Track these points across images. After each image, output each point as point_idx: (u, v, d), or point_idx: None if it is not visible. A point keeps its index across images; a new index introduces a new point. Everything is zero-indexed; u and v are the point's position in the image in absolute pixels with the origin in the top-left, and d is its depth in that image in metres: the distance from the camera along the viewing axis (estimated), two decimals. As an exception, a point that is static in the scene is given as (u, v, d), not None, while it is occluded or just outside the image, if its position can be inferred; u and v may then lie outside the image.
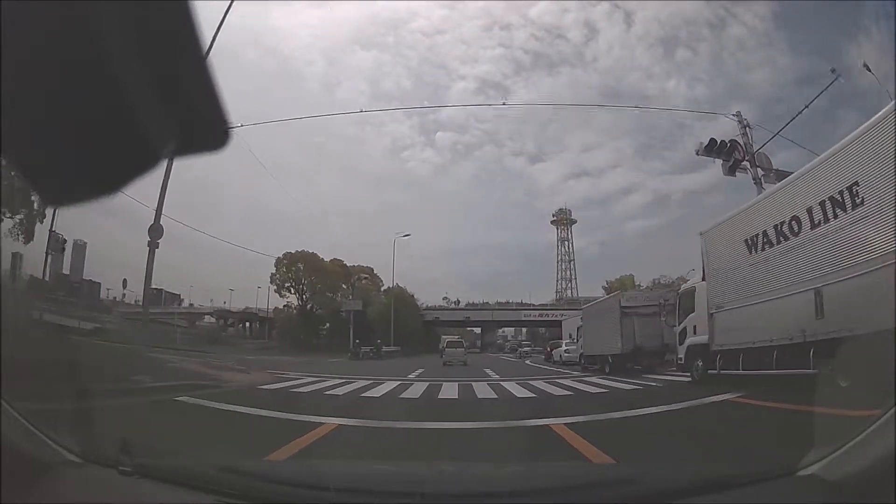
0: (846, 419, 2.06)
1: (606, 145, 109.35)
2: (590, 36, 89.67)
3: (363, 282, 54.58)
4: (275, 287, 51.95)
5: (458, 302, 68.46)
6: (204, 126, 0.82)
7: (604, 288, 63.63)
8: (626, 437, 5.80)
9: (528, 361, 32.64)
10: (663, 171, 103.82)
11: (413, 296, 57.21)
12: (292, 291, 52.06)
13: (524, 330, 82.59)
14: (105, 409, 5.01)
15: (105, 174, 0.79)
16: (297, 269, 51.32)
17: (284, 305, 52.76)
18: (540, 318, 64.57)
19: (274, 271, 51.65)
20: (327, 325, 51.60)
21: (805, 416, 3.52)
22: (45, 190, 0.78)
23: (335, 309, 48.57)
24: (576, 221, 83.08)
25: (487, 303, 67.84)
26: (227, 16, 12.82)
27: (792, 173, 9.16)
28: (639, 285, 59.63)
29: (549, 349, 32.34)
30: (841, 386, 5.59)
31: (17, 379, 1.72)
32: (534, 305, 69.42)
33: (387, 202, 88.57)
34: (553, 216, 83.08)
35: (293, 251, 51.65)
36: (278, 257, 51.41)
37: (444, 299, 67.84)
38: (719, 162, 19.32)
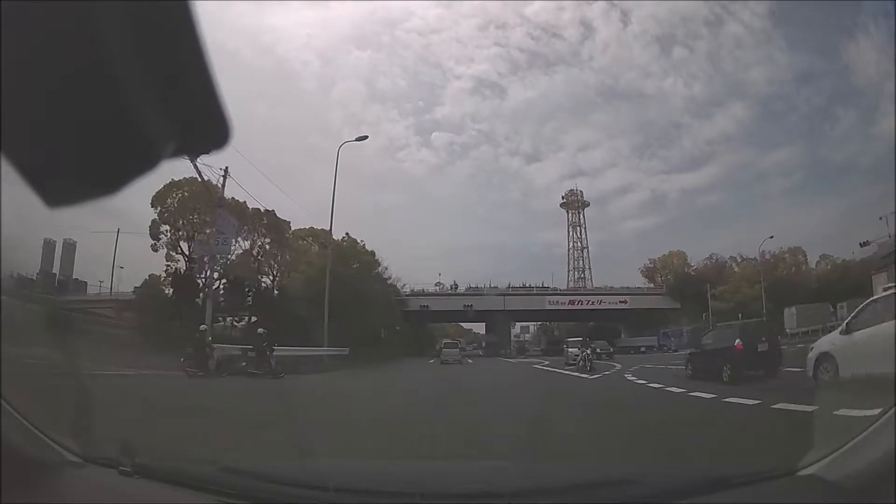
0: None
1: (603, 144, 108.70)
2: (586, 34, 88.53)
3: (309, 245, 35.04)
4: (154, 243, 31.93)
5: (456, 286, 50.11)
6: (204, 126, 0.82)
7: (646, 268, 53.38)
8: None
9: (654, 384, 12.46)
10: (660, 170, 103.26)
11: (376, 256, 36.32)
12: (179, 251, 32.37)
13: (531, 327, 73.52)
14: None
15: (105, 174, 0.79)
16: (193, 216, 31.20)
17: (166, 272, 32.77)
18: (571, 307, 50.51)
19: (155, 217, 31.63)
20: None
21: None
22: (44, 190, 0.77)
23: (251, 279, 31.43)
24: (588, 204, 68.18)
25: (496, 287, 49.37)
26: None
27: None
28: (688, 264, 49.78)
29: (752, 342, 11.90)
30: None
31: None
32: (561, 290, 52.47)
33: (382, 202, 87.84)
34: (563, 198, 68.13)
35: (180, 178, 29.76)
36: (158, 191, 30.35)
37: (436, 285, 49.72)
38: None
